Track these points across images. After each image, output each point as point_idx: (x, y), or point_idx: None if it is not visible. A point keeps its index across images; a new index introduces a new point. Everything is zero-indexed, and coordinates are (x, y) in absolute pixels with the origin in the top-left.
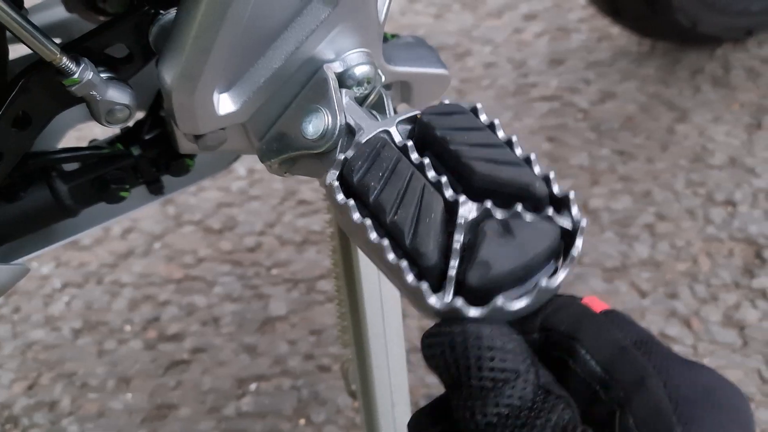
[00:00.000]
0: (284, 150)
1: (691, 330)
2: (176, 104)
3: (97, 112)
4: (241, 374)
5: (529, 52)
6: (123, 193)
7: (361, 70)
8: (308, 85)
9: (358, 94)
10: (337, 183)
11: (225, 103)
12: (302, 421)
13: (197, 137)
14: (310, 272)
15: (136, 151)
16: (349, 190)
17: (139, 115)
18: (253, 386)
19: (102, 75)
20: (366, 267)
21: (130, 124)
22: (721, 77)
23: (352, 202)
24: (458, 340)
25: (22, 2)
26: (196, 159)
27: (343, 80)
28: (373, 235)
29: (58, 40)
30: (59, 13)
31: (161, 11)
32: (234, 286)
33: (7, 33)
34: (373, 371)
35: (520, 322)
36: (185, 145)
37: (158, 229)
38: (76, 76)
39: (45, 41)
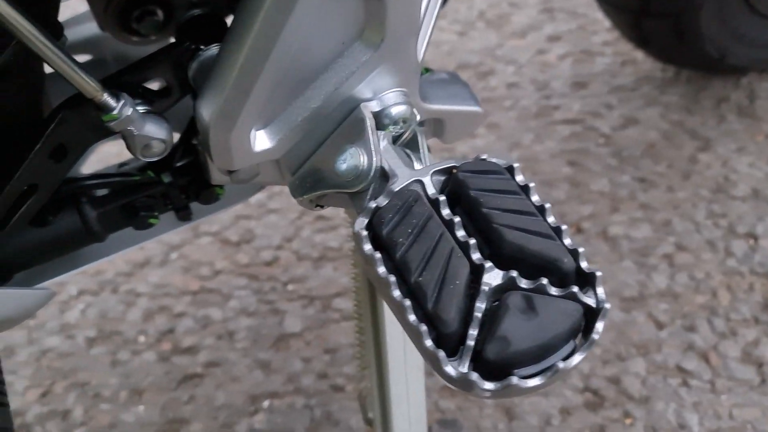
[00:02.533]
0: (316, 187)
1: (708, 365)
2: (213, 141)
3: (133, 146)
4: (255, 391)
5: (553, 74)
6: (152, 220)
7: (397, 110)
8: (344, 123)
9: (393, 133)
10: (366, 233)
11: (261, 140)
12: None
13: (231, 171)
14: (327, 289)
15: (166, 178)
16: (377, 241)
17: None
18: (266, 403)
19: (139, 108)
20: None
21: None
22: (747, 107)
23: (378, 255)
24: None
25: (61, 31)
26: (225, 187)
27: (379, 119)
28: (396, 293)
29: (88, 57)
30: (91, 28)
31: (202, 47)
32: (250, 301)
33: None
34: (392, 402)
35: None
36: (217, 177)
37: (176, 240)
38: (115, 112)
39: (87, 78)
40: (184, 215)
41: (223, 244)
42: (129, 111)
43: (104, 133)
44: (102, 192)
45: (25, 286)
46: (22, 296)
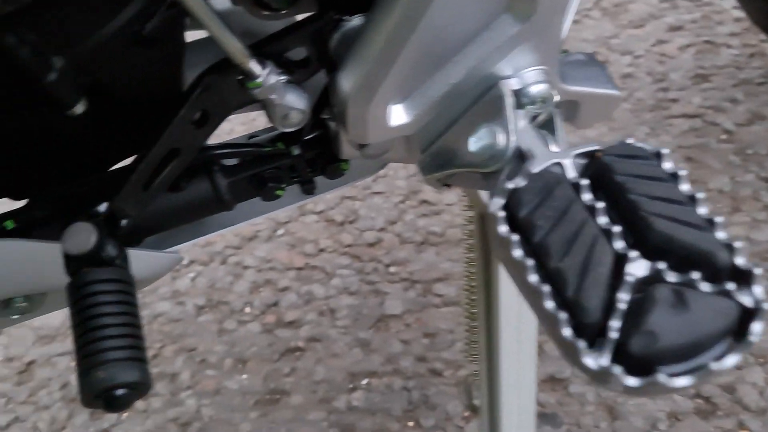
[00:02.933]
0: (447, 165)
1: None
2: (350, 113)
3: (273, 115)
4: (354, 369)
5: (672, 66)
6: (279, 192)
7: (537, 89)
8: (481, 100)
9: (531, 114)
10: (502, 213)
11: (397, 115)
12: (411, 424)
13: (362, 145)
14: (428, 274)
15: (295, 150)
16: (513, 223)
17: None
18: (364, 382)
19: (281, 78)
20: (507, 287)
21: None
22: None
23: (516, 237)
24: None
25: None
26: (350, 163)
27: (517, 98)
28: (533, 278)
29: None
30: (221, 3)
31: (345, 18)
32: (352, 280)
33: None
34: (501, 391)
35: None
36: (347, 151)
37: (282, 217)
38: (260, 79)
39: (237, 43)
40: (308, 189)
41: (328, 223)
42: (273, 79)
43: (246, 100)
44: (232, 162)
45: (156, 249)
46: (154, 258)
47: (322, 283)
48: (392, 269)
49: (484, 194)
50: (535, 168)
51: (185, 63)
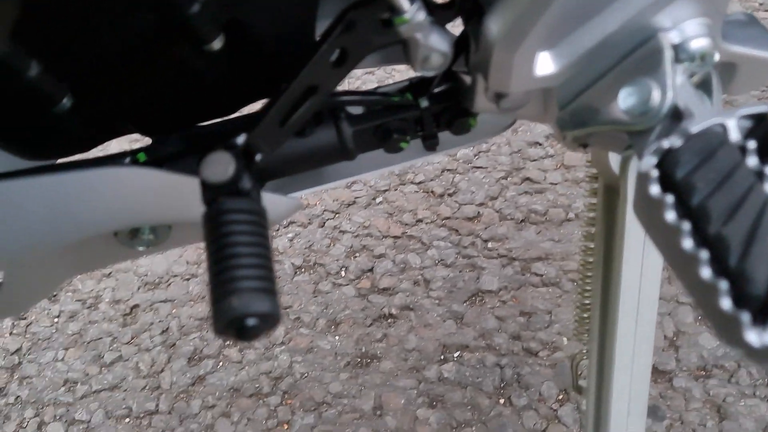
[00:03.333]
0: (589, 123)
1: None
2: (496, 59)
3: (414, 56)
4: (446, 340)
5: None
6: (403, 144)
7: (698, 44)
8: (635, 54)
9: (688, 72)
10: (656, 173)
11: (544, 64)
12: (502, 401)
13: (499, 97)
14: (527, 252)
15: (423, 103)
16: (666, 185)
17: None
18: (456, 354)
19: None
20: (628, 264)
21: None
22: None
23: (671, 198)
24: None
25: None
26: (477, 118)
27: (675, 53)
28: (688, 243)
29: None
30: None
31: None
32: (448, 252)
33: None
34: (614, 374)
35: None
36: (481, 103)
37: (382, 185)
38: (407, 15)
39: None
40: (431, 144)
41: (427, 194)
42: (421, 16)
43: (387, 39)
44: (359, 111)
45: (278, 193)
46: (277, 201)
47: (418, 253)
48: (490, 245)
49: (614, 164)
50: (695, 128)
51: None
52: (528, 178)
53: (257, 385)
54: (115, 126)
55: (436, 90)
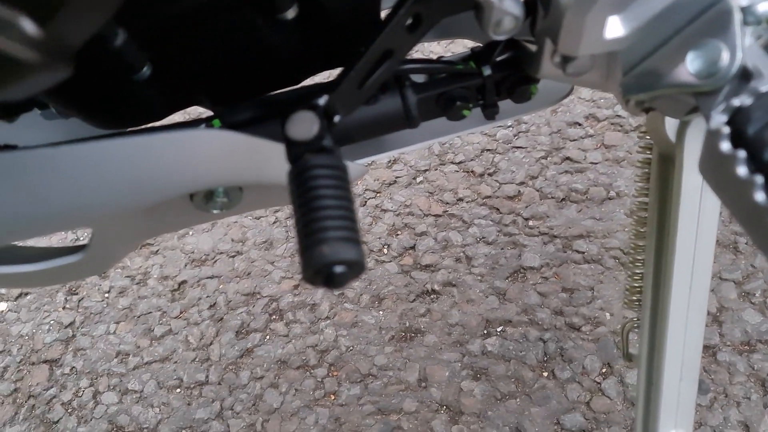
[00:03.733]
0: (656, 85)
1: None
2: (566, 22)
3: (487, 19)
4: (489, 315)
5: None
6: (465, 111)
7: (764, 7)
8: (703, 17)
9: (755, 35)
10: (727, 129)
11: (614, 27)
12: (545, 374)
13: (566, 62)
14: (569, 230)
15: (486, 71)
16: (736, 141)
17: None
18: (499, 329)
19: None
20: (683, 233)
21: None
22: None
23: (743, 153)
24: None
25: None
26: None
27: (743, 15)
28: (761, 196)
29: None
30: None
31: None
32: (490, 230)
33: None
34: (666, 340)
35: None
36: (547, 69)
37: (422, 165)
38: None
39: None
40: (491, 113)
41: (467, 174)
42: None
43: (462, 4)
44: (422, 79)
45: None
46: (349, 166)
47: (460, 231)
48: (531, 223)
49: (670, 132)
50: (765, 87)
51: None
52: (568, 158)
53: (304, 358)
54: (189, 95)
55: (498, 58)
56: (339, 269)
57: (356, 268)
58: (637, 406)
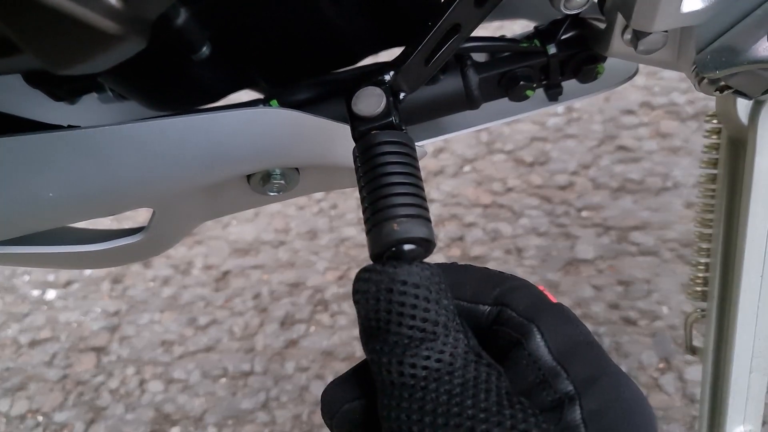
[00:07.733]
0: (733, 62)
1: None
2: None
3: None
4: None
5: None
6: (528, 92)
7: None
8: None
9: None
10: None
11: (691, 0)
12: None
13: (638, 38)
14: (624, 221)
15: (551, 49)
16: None
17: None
18: None
19: None
20: (755, 218)
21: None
22: None
23: None
24: (385, 281)
25: None
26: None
27: None
28: None
29: None
30: None
31: None
32: (541, 221)
33: None
34: (736, 331)
35: (474, 291)
36: (617, 47)
37: (470, 154)
38: None
39: None
40: (554, 94)
41: (517, 163)
42: None
43: None
44: (483, 59)
45: None
46: None
47: (509, 222)
48: (584, 213)
49: (742, 114)
50: None
51: None
52: (622, 147)
53: (350, 349)
54: (246, 76)
55: (564, 36)
56: (408, 247)
57: (426, 245)
58: (702, 400)
